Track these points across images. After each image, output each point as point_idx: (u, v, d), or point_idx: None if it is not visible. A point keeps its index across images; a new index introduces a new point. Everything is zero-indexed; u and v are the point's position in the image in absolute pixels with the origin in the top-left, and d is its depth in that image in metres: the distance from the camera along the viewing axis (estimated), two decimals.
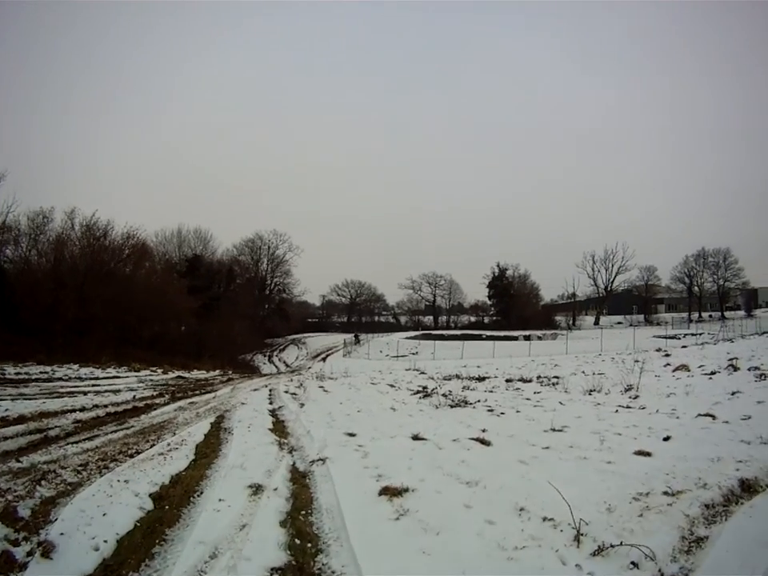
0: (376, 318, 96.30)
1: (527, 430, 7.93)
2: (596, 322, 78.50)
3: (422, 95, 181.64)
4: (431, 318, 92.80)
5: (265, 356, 54.84)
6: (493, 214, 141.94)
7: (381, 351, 50.61)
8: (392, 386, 17.15)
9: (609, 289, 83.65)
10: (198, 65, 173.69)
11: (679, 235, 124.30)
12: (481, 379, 17.93)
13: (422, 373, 23.42)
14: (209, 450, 7.24)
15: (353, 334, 63.43)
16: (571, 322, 78.92)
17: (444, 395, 12.68)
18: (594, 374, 15.99)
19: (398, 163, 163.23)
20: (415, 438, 7.56)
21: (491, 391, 14.11)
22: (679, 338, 42.58)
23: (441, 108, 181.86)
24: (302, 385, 18.51)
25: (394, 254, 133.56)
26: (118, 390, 13.83)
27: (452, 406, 11.03)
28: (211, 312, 45.05)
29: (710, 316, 75.09)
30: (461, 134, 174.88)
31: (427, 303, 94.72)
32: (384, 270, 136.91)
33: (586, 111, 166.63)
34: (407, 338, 63.01)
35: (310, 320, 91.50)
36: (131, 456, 6.45)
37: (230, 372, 27.96)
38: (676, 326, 59.49)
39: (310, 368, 40.97)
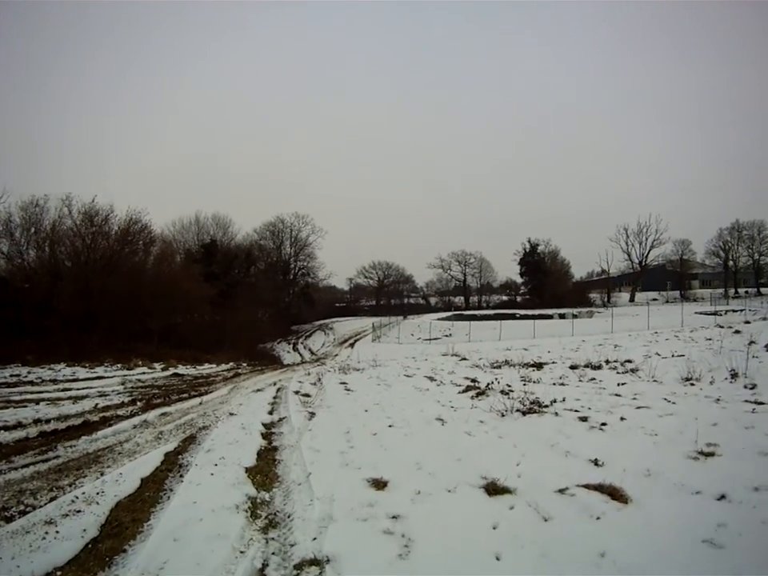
0: (405, 300, 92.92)
1: (664, 459, 4.97)
2: (631, 299, 75.36)
3: (459, 71, 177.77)
4: (462, 298, 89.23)
5: (289, 344, 51.82)
6: (520, 189, 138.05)
7: (412, 334, 47.53)
8: (431, 378, 13.71)
9: (643, 264, 79.11)
10: (220, 47, 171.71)
11: (713, 207, 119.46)
12: (538, 366, 14.71)
13: (463, 359, 20.06)
14: (128, 518, 4.40)
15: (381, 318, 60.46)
16: (606, 299, 75.84)
17: (503, 392, 9.59)
18: (672, 356, 13.55)
19: (424, 140, 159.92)
20: (491, 489, 4.54)
21: (562, 383, 10.89)
22: (721, 314, 39.12)
23: (471, 83, 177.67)
24: (319, 380, 15.18)
25: (421, 233, 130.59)
26: (84, 397, 11.11)
27: (524, 413, 7.69)
28: (229, 299, 42.09)
29: (746, 292, 70.39)
30: (486, 108, 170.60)
31: (457, 283, 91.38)
32: (412, 251, 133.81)
33: (614, 77, 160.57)
34: (439, 319, 60.20)
35: (337, 304, 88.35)
36: (8, 520, 4.27)
37: (244, 364, 24.96)
38: (713, 303, 55.95)
39: (336, 355, 38.00)
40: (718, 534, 3.26)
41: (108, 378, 14.91)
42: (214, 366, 22.57)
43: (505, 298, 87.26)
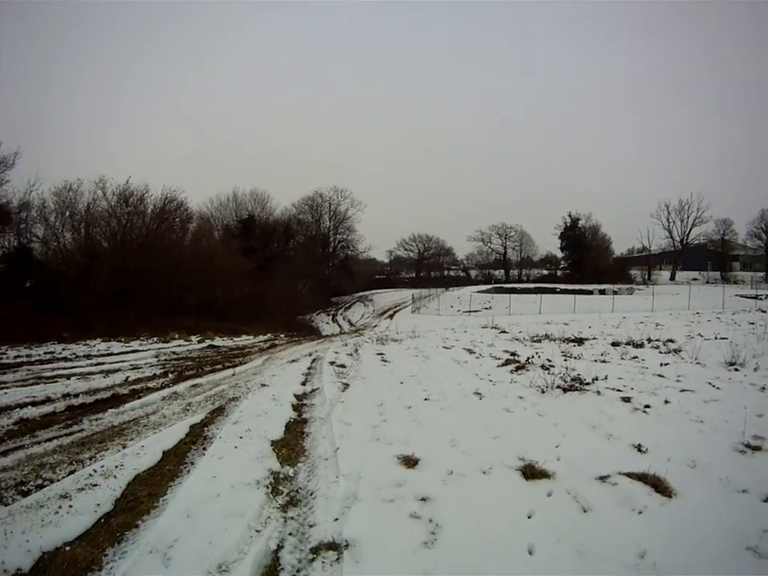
0: (445, 273, 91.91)
1: (710, 449, 4.70)
2: (672, 278, 73.25)
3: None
4: (502, 271, 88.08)
5: (328, 315, 51.79)
6: (562, 163, 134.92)
7: (452, 306, 46.74)
8: (470, 351, 13.27)
9: (684, 242, 76.62)
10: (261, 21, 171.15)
11: (757, 187, 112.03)
12: (579, 342, 14.14)
13: (503, 332, 19.59)
14: (144, 492, 4.19)
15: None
16: (647, 277, 73.75)
17: (544, 367, 9.24)
18: (715, 338, 13.27)
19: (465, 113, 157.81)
20: (528, 472, 4.25)
21: (603, 361, 10.37)
22: (762, 299, 38.16)
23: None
24: (356, 350, 14.86)
25: (462, 206, 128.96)
26: (115, 371, 10.89)
27: (565, 390, 7.29)
28: (268, 273, 42.14)
29: None
30: (533, 83, 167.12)
31: (498, 256, 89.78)
32: (452, 223, 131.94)
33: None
34: (479, 291, 58.96)
35: (377, 277, 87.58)
36: (24, 494, 4.09)
37: (282, 336, 24.78)
38: (754, 286, 54.25)
39: (375, 326, 37.68)
40: (763, 542, 3.01)
41: (142, 351, 14.81)
42: (251, 337, 22.46)
43: (545, 272, 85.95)
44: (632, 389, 7.33)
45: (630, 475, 3.94)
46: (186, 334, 21.29)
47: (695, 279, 70.08)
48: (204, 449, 5.23)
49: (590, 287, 60.13)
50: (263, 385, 8.88)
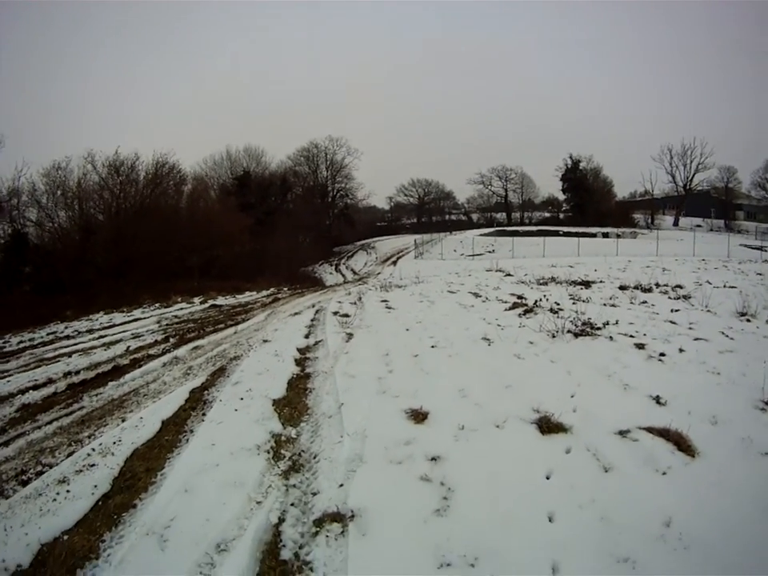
0: (447, 217, 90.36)
1: (729, 404, 4.43)
2: (675, 223, 72.05)
3: None
4: (503, 214, 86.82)
5: (331, 265, 51.02)
6: (563, 104, 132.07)
7: (455, 250, 46.38)
8: (476, 294, 12.94)
9: (688, 187, 74.78)
10: None
11: (762, 136, 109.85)
12: (586, 284, 13.77)
13: (508, 274, 19.18)
14: (142, 467, 4.05)
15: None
16: (650, 221, 72.38)
17: (552, 310, 8.93)
18: (724, 286, 12.71)
19: (464, 52, 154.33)
20: (545, 426, 4.05)
21: (613, 305, 10.00)
22: (767, 250, 37.18)
23: None
24: (360, 299, 14.45)
25: (461, 148, 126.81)
26: (117, 342, 10.65)
27: (576, 334, 7.02)
28: (268, 227, 41.47)
29: None
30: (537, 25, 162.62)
31: (499, 199, 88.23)
32: (451, 167, 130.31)
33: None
34: (482, 234, 58.22)
35: (378, 224, 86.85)
36: (24, 483, 3.96)
37: (285, 289, 24.35)
38: (758, 236, 53.23)
39: (378, 273, 37.02)
40: None
41: (144, 318, 14.57)
42: (254, 293, 22.08)
43: (547, 214, 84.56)
44: (644, 335, 7.01)
45: (650, 430, 3.74)
46: (189, 296, 20.99)
47: (699, 226, 69.02)
48: (204, 414, 5.06)
49: (593, 230, 59.20)
50: (265, 341, 8.62)
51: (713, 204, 75.09)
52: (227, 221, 33.72)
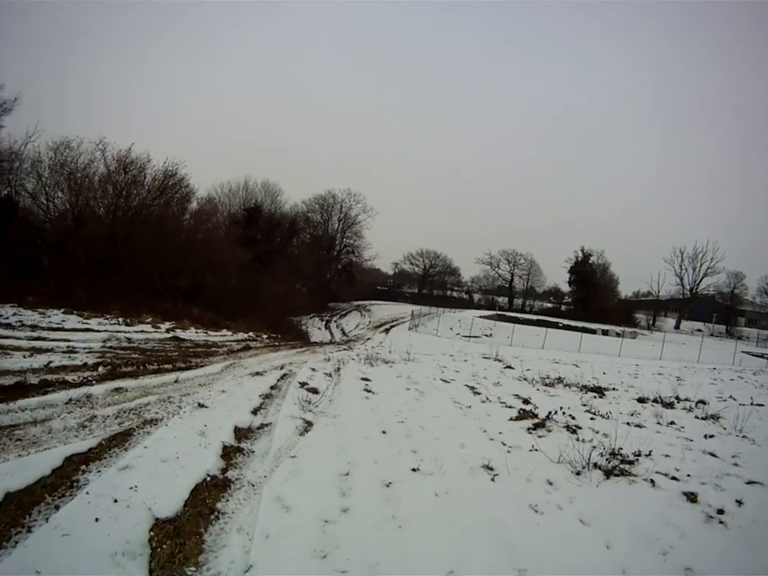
0: (448, 293, 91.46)
1: None
2: (677, 326, 73.19)
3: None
4: (505, 298, 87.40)
5: (322, 320, 49.69)
6: (580, 197, 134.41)
7: (451, 328, 45.09)
8: (473, 389, 10.98)
9: (694, 291, 76.40)
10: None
11: None
12: (599, 392, 12.00)
13: (508, 366, 17.44)
14: None
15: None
16: (652, 323, 73.68)
17: (569, 428, 7.34)
18: (751, 403, 11.33)
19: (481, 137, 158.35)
20: None
21: (638, 425, 8.30)
22: (767, 358, 36.98)
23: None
24: (338, 369, 12.43)
25: (473, 228, 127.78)
26: (47, 350, 9.10)
27: (606, 472, 5.26)
28: (266, 267, 40.13)
29: None
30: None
31: (503, 282, 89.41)
32: (461, 244, 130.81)
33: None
34: (481, 316, 57.42)
35: (379, 287, 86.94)
36: None
37: (264, 336, 22.21)
38: (759, 344, 55.10)
39: (368, 339, 35.53)
40: None
41: (96, 332, 12.74)
42: (229, 333, 20.18)
43: (548, 305, 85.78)
44: (688, 475, 5.47)
45: None
46: (161, 319, 19.18)
47: (699, 330, 70.22)
48: (49, 514, 3.26)
49: (594, 326, 59.83)
50: (201, 405, 6.54)
51: (716, 309, 76.51)
52: (227, 250, 32.32)
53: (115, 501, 3.51)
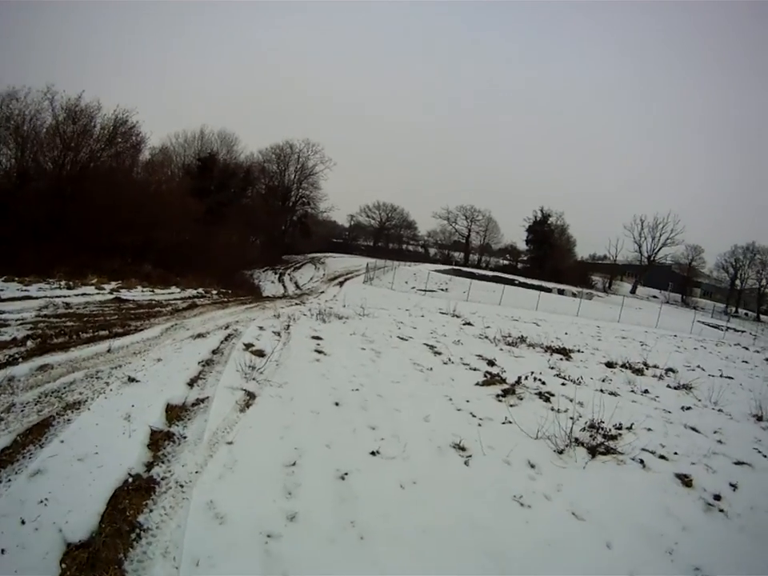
0: (404, 246, 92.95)
1: None
2: (632, 291, 76.28)
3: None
4: (461, 254, 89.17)
5: (275, 273, 48.51)
6: (541, 161, 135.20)
7: (407, 282, 45.00)
8: (434, 349, 10.48)
9: (652, 259, 79.62)
10: None
11: (733, 222, 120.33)
12: (565, 354, 11.84)
13: (467, 323, 17.16)
14: None
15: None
16: (608, 285, 77.37)
17: (541, 394, 7.08)
18: (720, 376, 11.85)
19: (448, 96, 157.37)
20: None
21: (612, 392, 8.18)
22: (722, 330, 40.82)
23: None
24: (288, 327, 11.46)
25: (431, 181, 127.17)
26: None
27: (590, 450, 4.93)
28: (218, 218, 38.81)
29: (746, 314, 72.58)
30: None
31: (460, 238, 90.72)
32: (418, 198, 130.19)
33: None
34: (437, 270, 57.76)
35: (334, 240, 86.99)
36: None
37: (213, 292, 21.58)
38: (714, 315, 58.11)
39: (322, 292, 34.92)
40: None
41: (34, 299, 11.46)
42: (178, 290, 19.37)
43: (504, 262, 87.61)
44: (675, 453, 5.32)
45: None
46: (108, 279, 18.06)
47: (655, 297, 73.44)
48: None
49: (550, 285, 61.01)
50: (131, 379, 5.71)
51: (672, 278, 79.58)
52: (180, 203, 31.19)
53: (23, 522, 2.85)
